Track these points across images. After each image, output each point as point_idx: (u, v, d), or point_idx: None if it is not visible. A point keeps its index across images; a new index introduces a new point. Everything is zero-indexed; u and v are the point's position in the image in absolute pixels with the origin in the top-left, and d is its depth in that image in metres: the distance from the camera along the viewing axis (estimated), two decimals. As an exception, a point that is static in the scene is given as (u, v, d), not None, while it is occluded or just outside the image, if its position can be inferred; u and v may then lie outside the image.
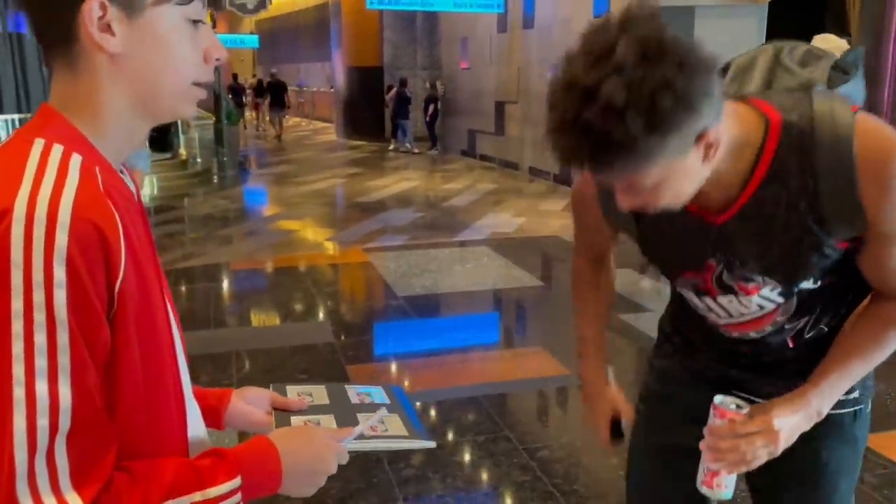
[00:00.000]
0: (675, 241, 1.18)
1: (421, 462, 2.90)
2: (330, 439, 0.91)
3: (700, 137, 0.94)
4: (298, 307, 5.14)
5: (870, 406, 1.30)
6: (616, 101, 0.84)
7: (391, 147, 15.12)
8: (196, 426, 0.89)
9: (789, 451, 1.13)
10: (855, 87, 1.13)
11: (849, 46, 1.20)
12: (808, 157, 1.02)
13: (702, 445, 1.12)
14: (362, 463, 2.86)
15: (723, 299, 1.19)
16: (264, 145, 17.34)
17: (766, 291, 1.16)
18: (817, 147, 1.02)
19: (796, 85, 1.10)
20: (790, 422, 1.10)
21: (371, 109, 16.45)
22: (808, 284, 1.14)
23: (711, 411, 1.12)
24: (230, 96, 16.36)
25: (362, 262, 6.21)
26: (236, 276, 5.94)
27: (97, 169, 0.74)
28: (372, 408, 1.03)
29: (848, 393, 1.22)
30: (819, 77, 1.09)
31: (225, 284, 5.80)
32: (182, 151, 11.34)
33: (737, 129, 1.03)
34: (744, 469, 1.11)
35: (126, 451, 0.74)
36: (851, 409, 1.26)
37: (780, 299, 1.16)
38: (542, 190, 10.22)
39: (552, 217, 8.23)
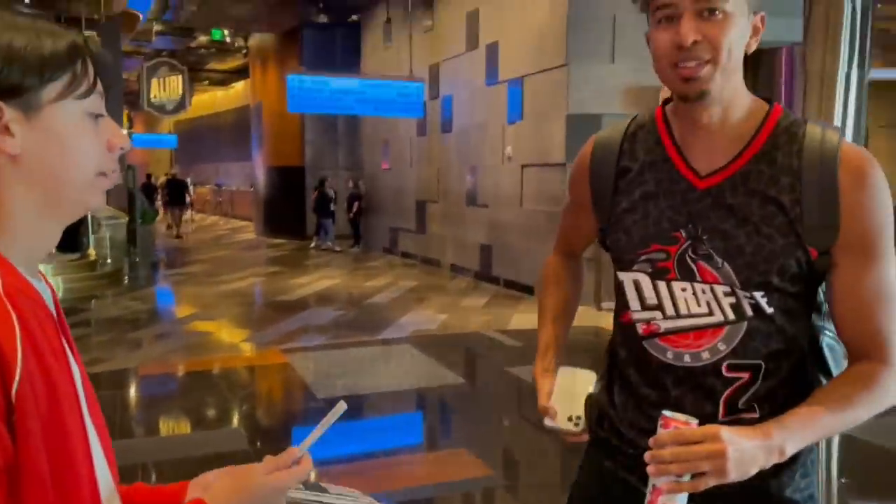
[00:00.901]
0: (654, 204, 1.20)
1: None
2: (269, 474, 0.89)
3: (755, 14, 1.12)
4: (211, 413, 4.88)
5: None
6: None
7: (312, 245, 15.08)
8: None
9: None
10: None
11: None
12: (797, 143, 1.13)
13: (646, 457, 1.03)
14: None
15: (677, 286, 1.17)
16: (180, 244, 16.95)
17: (719, 291, 1.14)
18: (807, 138, 1.13)
19: None
20: (742, 444, 1.01)
21: (292, 208, 16.45)
22: (761, 299, 1.12)
23: (659, 423, 1.05)
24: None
25: (280, 363, 6.02)
26: (145, 381, 5.63)
27: None
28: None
29: None
30: None
31: (132, 391, 5.47)
32: (91, 251, 10.92)
33: (748, 94, 1.18)
34: (688, 488, 1.01)
35: None
36: None
37: (731, 313, 1.14)
38: (463, 286, 10.32)
39: (474, 313, 8.27)
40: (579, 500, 1.39)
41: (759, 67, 9.01)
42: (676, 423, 1.03)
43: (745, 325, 1.14)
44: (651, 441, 1.03)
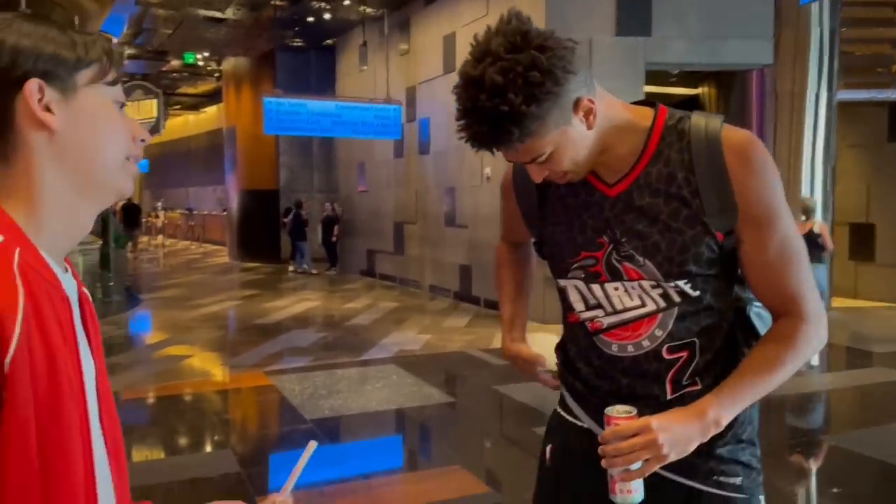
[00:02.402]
0: (576, 215, 1.29)
1: None
2: None
3: (576, 105, 1.14)
4: (200, 436, 4.79)
5: (762, 502, 1.30)
6: (497, 83, 1.06)
7: (290, 269, 14.93)
8: None
9: None
10: None
11: None
12: (685, 137, 1.21)
13: (599, 451, 1.14)
14: None
15: (610, 287, 1.26)
16: (153, 269, 16.68)
17: (646, 285, 1.23)
18: (693, 131, 1.21)
19: None
20: (672, 428, 1.12)
21: (266, 231, 16.32)
22: (685, 286, 1.22)
23: (604, 421, 1.16)
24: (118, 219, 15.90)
25: (265, 385, 5.93)
26: (130, 406, 5.50)
27: (17, 250, 0.73)
28: None
29: (730, 476, 1.26)
30: None
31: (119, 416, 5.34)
32: (63, 276, 10.69)
33: (626, 113, 1.24)
34: (635, 476, 1.12)
35: None
36: (734, 495, 1.26)
37: (662, 302, 1.23)
38: (443, 307, 10.31)
39: (456, 333, 8.26)
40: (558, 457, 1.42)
41: (731, 88, 9.25)
42: (616, 419, 1.14)
43: (675, 309, 1.24)
44: (599, 439, 1.15)
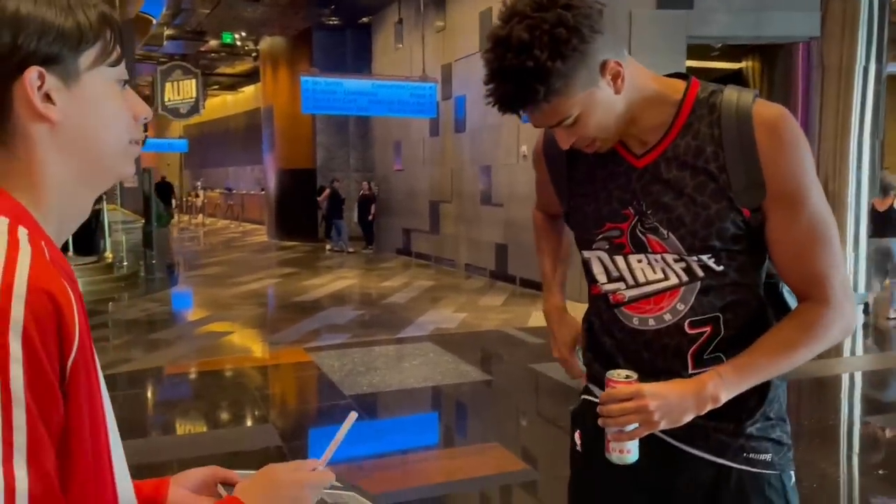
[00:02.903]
0: (603, 186, 1.28)
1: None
2: (297, 472, 0.89)
3: (603, 67, 1.13)
4: (241, 411, 4.89)
5: (793, 479, 1.29)
6: (523, 40, 1.07)
7: (328, 247, 15.08)
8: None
9: None
10: None
11: None
12: (716, 111, 1.19)
13: (598, 410, 1.17)
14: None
15: (633, 259, 1.25)
16: (194, 247, 16.99)
17: (669, 259, 1.22)
18: (724, 105, 1.19)
19: None
20: (669, 397, 1.13)
21: (304, 210, 16.48)
22: (708, 261, 1.20)
23: (605, 383, 1.18)
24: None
25: (305, 361, 6.02)
26: (171, 381, 5.65)
27: (42, 243, 0.71)
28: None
29: (760, 452, 1.24)
30: None
31: (161, 390, 5.49)
32: (108, 254, 10.97)
33: (656, 85, 1.23)
34: (626, 438, 1.15)
35: None
36: (764, 471, 1.25)
37: (684, 275, 1.22)
38: (479, 286, 10.31)
39: (492, 311, 8.27)
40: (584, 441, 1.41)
41: (776, 62, 8.99)
42: (614, 382, 1.16)
43: (698, 284, 1.22)
44: (599, 399, 1.18)
